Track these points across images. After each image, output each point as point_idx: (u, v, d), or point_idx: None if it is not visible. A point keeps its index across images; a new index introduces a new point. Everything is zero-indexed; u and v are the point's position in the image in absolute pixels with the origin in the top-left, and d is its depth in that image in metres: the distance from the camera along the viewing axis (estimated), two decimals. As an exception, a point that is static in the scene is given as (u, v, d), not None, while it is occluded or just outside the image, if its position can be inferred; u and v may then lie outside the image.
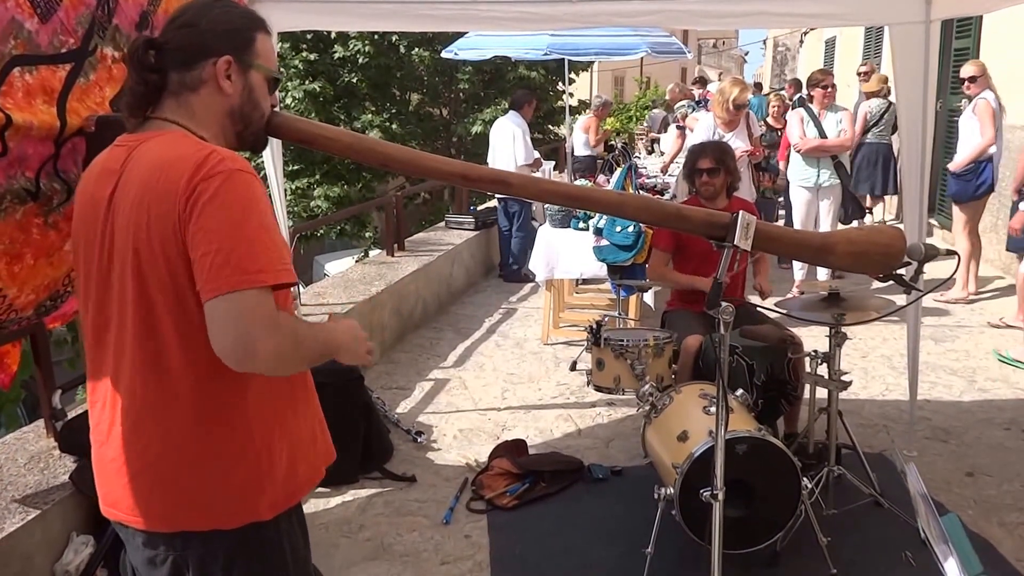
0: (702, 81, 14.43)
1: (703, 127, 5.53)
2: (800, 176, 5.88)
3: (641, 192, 5.65)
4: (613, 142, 8.88)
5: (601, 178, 6.35)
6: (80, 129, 2.08)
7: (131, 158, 1.35)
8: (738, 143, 5.24)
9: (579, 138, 9.27)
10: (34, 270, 2.15)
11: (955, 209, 5.85)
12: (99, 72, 2.16)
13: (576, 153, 9.04)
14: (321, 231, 13.11)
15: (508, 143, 6.83)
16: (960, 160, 5.62)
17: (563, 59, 8.43)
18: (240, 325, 1.23)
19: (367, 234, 13.26)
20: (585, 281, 5.99)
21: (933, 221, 7.80)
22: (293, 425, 1.45)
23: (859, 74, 8.24)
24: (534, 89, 13.56)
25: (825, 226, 5.77)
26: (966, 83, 5.62)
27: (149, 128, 1.40)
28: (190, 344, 1.31)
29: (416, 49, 13.02)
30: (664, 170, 7.44)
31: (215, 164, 1.27)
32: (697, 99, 11.00)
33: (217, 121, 1.43)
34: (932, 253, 1.98)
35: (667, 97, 10.96)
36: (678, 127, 8.44)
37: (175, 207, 1.26)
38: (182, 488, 1.35)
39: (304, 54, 12.50)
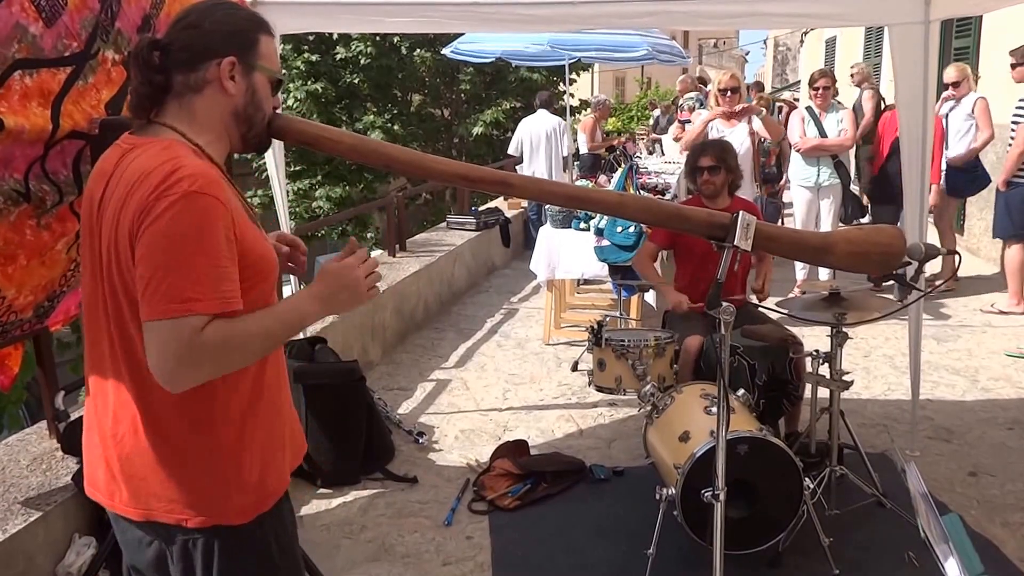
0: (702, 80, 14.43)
1: (703, 123, 5.55)
2: (800, 176, 5.88)
3: (642, 192, 5.66)
4: (616, 147, 8.89)
5: (602, 178, 6.35)
6: (72, 131, 2.08)
7: (121, 162, 1.36)
8: (740, 139, 5.24)
9: (581, 137, 9.32)
10: (28, 271, 2.16)
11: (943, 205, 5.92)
12: (98, 75, 2.16)
13: (580, 151, 9.10)
14: (323, 232, 13.11)
15: (546, 136, 7.84)
16: (959, 155, 5.70)
17: (563, 59, 8.48)
18: (162, 353, 1.25)
19: (368, 235, 13.27)
20: (586, 281, 6.00)
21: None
22: (266, 431, 1.45)
23: (851, 76, 8.33)
24: (535, 90, 13.58)
25: (826, 225, 5.77)
26: (950, 88, 5.72)
27: (149, 132, 1.40)
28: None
29: (418, 50, 13.04)
30: (679, 140, 7.45)
31: (173, 184, 1.26)
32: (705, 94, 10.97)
33: (221, 122, 1.43)
34: (932, 253, 1.98)
35: (677, 88, 10.89)
36: (680, 121, 8.44)
37: (132, 223, 1.28)
38: (153, 482, 1.38)
39: (306, 55, 12.53)
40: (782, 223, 6.87)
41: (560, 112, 8.50)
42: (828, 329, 2.88)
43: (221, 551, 1.41)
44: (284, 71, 11.06)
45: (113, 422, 1.40)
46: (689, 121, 7.87)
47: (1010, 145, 5.30)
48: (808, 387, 3.14)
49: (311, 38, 12.53)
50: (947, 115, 5.83)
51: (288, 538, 1.52)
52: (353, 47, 12.59)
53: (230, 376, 1.36)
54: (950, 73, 5.82)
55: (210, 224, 1.27)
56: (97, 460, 1.44)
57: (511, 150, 8.45)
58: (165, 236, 1.25)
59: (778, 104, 7.57)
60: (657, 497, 2.55)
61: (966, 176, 5.80)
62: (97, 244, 1.37)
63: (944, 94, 5.81)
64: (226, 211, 1.31)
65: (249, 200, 1.55)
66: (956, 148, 5.75)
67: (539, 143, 7.92)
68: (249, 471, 1.41)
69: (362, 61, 12.70)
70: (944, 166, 5.80)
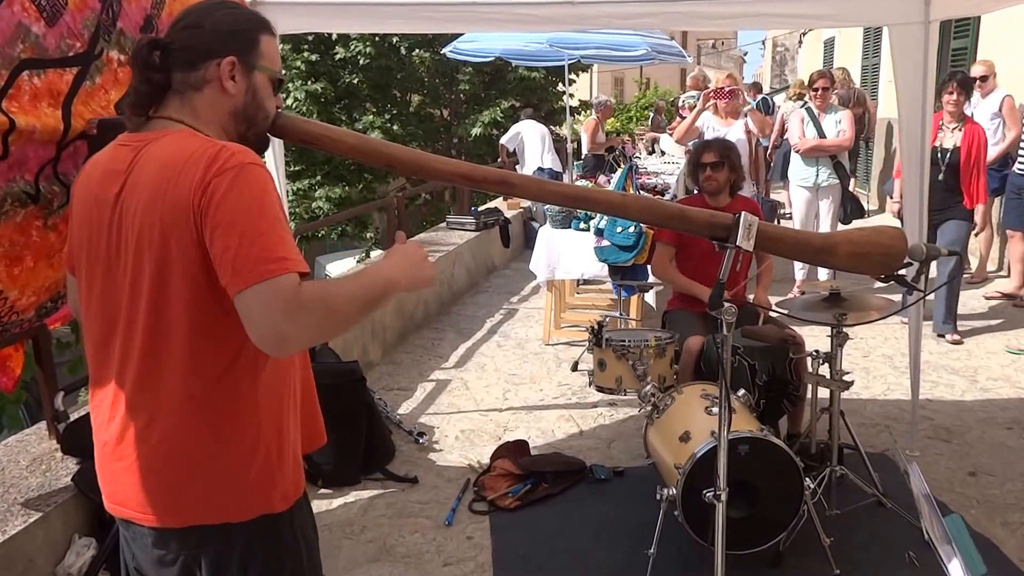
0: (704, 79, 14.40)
1: (695, 114, 5.59)
2: (799, 176, 5.89)
3: (642, 192, 5.66)
4: (616, 147, 8.91)
5: (602, 178, 6.36)
6: (83, 132, 2.08)
7: (138, 159, 1.35)
8: (736, 136, 5.26)
9: (583, 137, 9.35)
10: (34, 272, 2.15)
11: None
12: (105, 75, 2.16)
13: (583, 152, 9.14)
14: (322, 232, 13.14)
15: (541, 141, 8.55)
16: (992, 155, 5.69)
17: (563, 59, 8.54)
18: (268, 315, 1.23)
19: (368, 235, 13.28)
20: (586, 281, 6.00)
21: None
22: (296, 416, 1.47)
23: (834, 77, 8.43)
24: (535, 90, 13.61)
25: (825, 226, 5.78)
26: (977, 82, 5.66)
27: (154, 127, 1.39)
28: (205, 343, 1.32)
29: (417, 51, 13.05)
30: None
31: (227, 159, 1.28)
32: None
33: (220, 121, 1.43)
34: (934, 254, 1.99)
35: (688, 83, 10.91)
36: (681, 117, 8.46)
37: (190, 205, 1.26)
38: (195, 484, 1.35)
39: (306, 55, 12.55)
40: (777, 222, 6.88)
41: (560, 112, 8.63)
42: (828, 329, 2.88)
43: (260, 544, 1.39)
44: (284, 71, 11.13)
45: (144, 429, 1.36)
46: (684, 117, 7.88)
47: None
48: (808, 387, 3.14)
49: (310, 38, 12.54)
50: (971, 114, 5.80)
51: (313, 530, 1.53)
52: (352, 47, 12.60)
53: (256, 361, 1.35)
54: (978, 69, 5.78)
55: (269, 192, 1.31)
56: (123, 473, 1.38)
57: (507, 143, 8.85)
58: (240, 206, 1.26)
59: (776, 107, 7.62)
60: (658, 497, 2.55)
61: (998, 174, 5.80)
62: (115, 240, 1.35)
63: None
64: (273, 181, 1.35)
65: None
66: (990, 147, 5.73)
67: (532, 142, 8.34)
68: (287, 455, 1.42)
69: (361, 61, 12.71)
70: None
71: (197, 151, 1.30)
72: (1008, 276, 6.03)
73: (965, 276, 6.02)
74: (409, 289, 1.45)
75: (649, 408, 2.98)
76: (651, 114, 12.68)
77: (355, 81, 12.93)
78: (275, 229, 1.27)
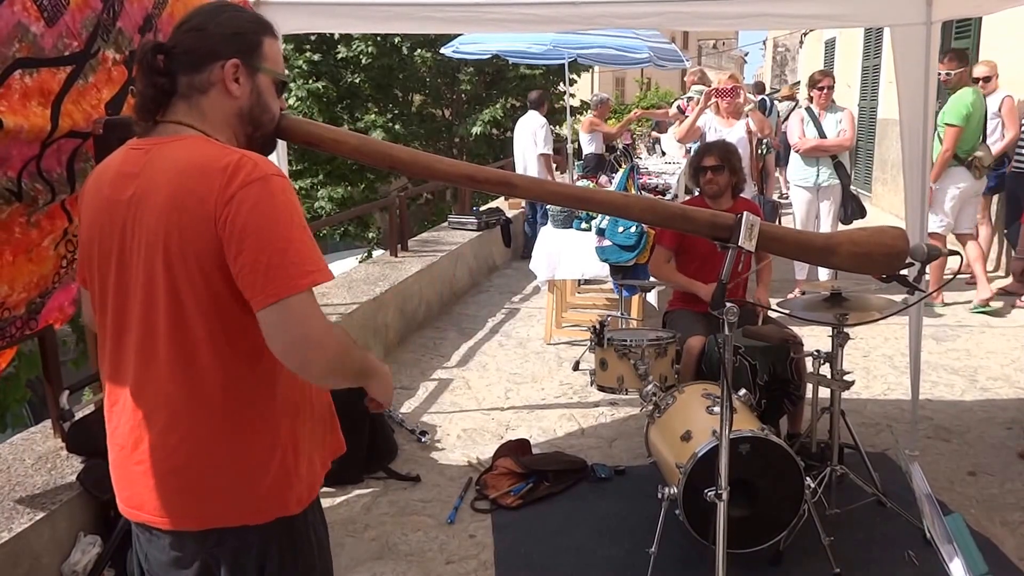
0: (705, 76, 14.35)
1: (697, 113, 5.60)
2: (800, 176, 5.90)
3: (643, 192, 5.67)
4: (615, 144, 8.88)
5: (603, 178, 6.37)
6: (71, 130, 2.08)
7: (150, 161, 1.35)
8: (737, 137, 5.27)
9: (584, 137, 9.31)
10: (14, 267, 2.15)
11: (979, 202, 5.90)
12: (98, 74, 2.17)
13: (584, 152, 9.11)
14: (324, 231, 13.13)
15: (530, 136, 7.87)
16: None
17: (563, 58, 8.51)
18: (295, 330, 1.26)
19: (370, 235, 13.29)
20: (587, 281, 6.01)
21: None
22: (310, 419, 1.48)
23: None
24: (535, 88, 13.58)
25: (825, 226, 5.78)
26: (980, 83, 5.67)
27: (163, 132, 1.39)
28: (222, 347, 1.33)
29: (418, 50, 13.05)
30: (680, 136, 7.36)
31: (251, 170, 1.28)
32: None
33: (227, 123, 1.43)
34: (935, 253, 2.00)
35: (688, 80, 10.87)
36: (680, 110, 8.45)
37: (212, 213, 1.26)
38: (213, 488, 1.36)
39: (308, 54, 12.55)
40: (779, 222, 6.88)
41: (560, 112, 8.53)
42: (828, 329, 2.89)
43: (276, 545, 1.40)
44: (286, 72, 11.10)
45: (162, 433, 1.36)
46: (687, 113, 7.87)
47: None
48: (809, 387, 3.15)
49: (313, 38, 12.54)
50: None
51: (325, 531, 1.54)
52: (354, 47, 12.61)
53: (275, 366, 1.35)
54: (981, 69, 5.80)
55: (294, 202, 1.32)
56: (140, 476, 1.39)
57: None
58: (266, 218, 1.26)
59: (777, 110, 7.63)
60: (659, 496, 2.56)
61: (994, 173, 5.80)
62: (128, 242, 1.35)
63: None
64: (295, 190, 1.36)
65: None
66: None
67: (525, 145, 8.01)
68: (302, 458, 1.43)
69: (363, 61, 12.72)
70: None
71: (215, 159, 1.30)
72: (1007, 276, 6.04)
73: (963, 276, 6.03)
74: (372, 389, 1.51)
75: (650, 407, 2.99)
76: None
77: (357, 81, 12.94)
78: (302, 240, 1.29)
